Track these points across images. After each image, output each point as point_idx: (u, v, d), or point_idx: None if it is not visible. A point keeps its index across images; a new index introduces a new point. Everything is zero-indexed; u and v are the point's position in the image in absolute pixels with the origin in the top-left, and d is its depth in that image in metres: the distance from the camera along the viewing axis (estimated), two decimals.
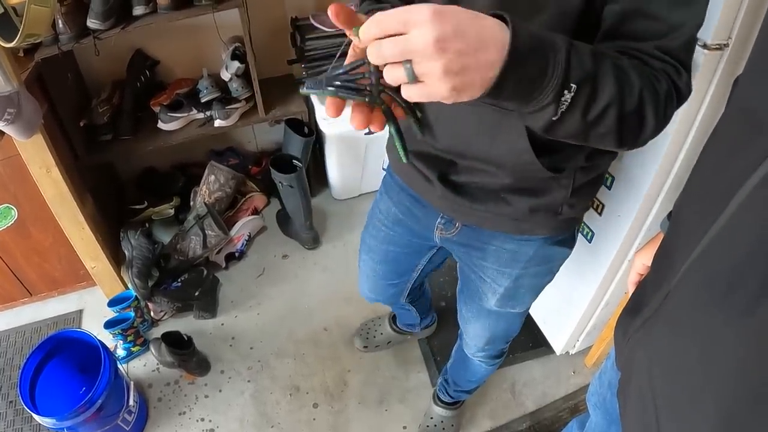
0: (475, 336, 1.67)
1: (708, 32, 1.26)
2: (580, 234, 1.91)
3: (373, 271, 1.74)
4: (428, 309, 2.30)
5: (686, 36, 0.86)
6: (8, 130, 1.85)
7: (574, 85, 0.72)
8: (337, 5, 0.70)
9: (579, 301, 2.05)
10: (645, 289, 0.96)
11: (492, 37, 0.65)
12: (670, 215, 1.11)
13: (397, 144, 0.79)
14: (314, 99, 2.75)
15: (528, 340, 2.44)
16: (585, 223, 1.90)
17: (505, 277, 1.37)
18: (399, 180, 1.44)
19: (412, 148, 1.25)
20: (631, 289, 1.15)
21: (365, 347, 2.46)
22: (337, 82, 0.74)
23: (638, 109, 0.81)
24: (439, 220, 1.37)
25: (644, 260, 1.15)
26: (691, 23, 0.86)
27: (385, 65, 0.67)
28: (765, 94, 0.65)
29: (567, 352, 2.33)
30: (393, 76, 0.67)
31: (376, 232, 1.62)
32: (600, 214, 1.81)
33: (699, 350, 0.75)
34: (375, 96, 0.74)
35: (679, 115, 1.40)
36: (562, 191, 1.17)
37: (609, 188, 1.74)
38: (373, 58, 0.67)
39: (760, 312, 0.63)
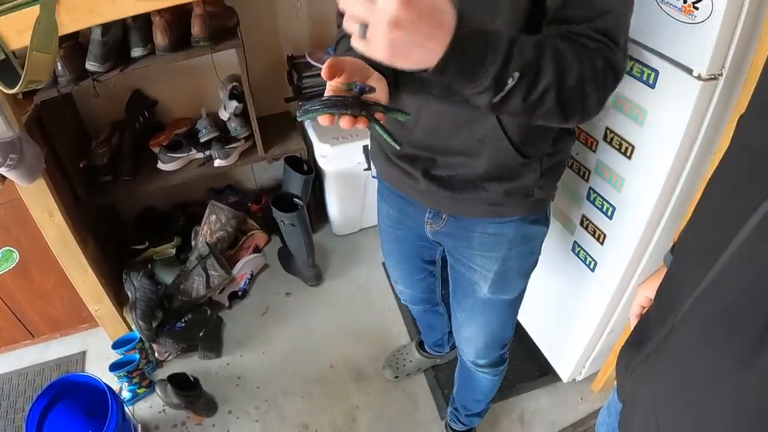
0: (471, 338, 1.74)
1: (702, 64, 1.31)
2: (582, 263, 1.95)
3: (398, 270, 1.89)
4: None
5: (615, 17, 1.00)
6: (11, 175, 1.87)
7: (516, 74, 0.86)
8: (328, 64, 0.90)
9: (583, 328, 2.06)
10: (648, 322, 0.98)
11: (441, 29, 0.77)
12: (673, 249, 1.13)
13: (387, 138, 0.95)
14: (312, 136, 2.79)
15: (534, 369, 2.45)
16: (587, 252, 1.92)
17: (492, 262, 1.48)
18: (387, 184, 1.57)
19: (395, 151, 1.40)
20: (633, 322, 1.17)
21: (396, 377, 2.48)
22: (324, 103, 0.90)
23: (579, 86, 0.94)
24: (427, 215, 1.49)
25: (647, 293, 1.17)
26: (618, 6, 1.01)
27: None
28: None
29: (574, 379, 2.33)
30: (348, 26, 0.79)
31: (386, 236, 1.77)
32: (602, 243, 1.84)
33: (704, 386, 0.76)
34: (356, 108, 0.91)
35: (678, 144, 1.44)
36: (532, 175, 1.31)
37: (610, 218, 1.77)
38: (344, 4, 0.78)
39: (765, 350, 0.65)
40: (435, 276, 1.90)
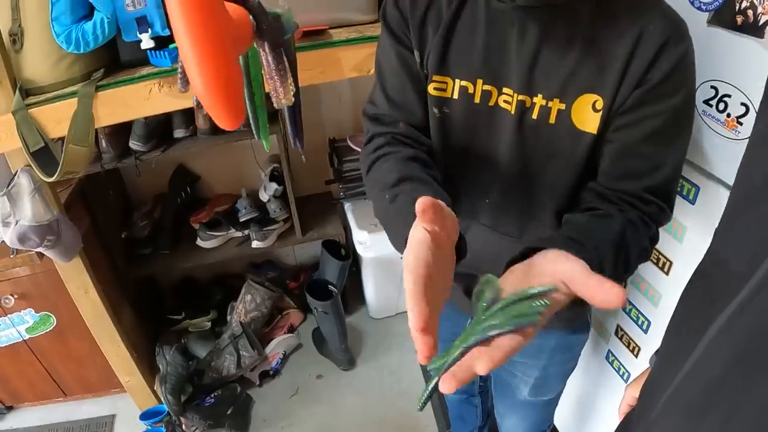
0: (513, 428, 1.79)
1: None
2: (616, 373, 1.92)
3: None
4: (487, 415, 2.31)
5: (672, 168, 1.03)
6: (48, 253, 1.99)
7: None
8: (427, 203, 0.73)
9: (610, 418, 2.05)
10: (631, 421, 1.03)
11: None
12: (657, 351, 1.17)
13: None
14: (351, 221, 2.88)
15: None
16: (621, 363, 1.89)
17: (533, 369, 1.50)
18: None
19: None
20: (620, 419, 1.21)
21: None
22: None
23: (636, 263, 0.99)
24: (468, 321, 1.45)
25: (633, 392, 1.21)
26: (674, 160, 1.03)
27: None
28: (735, 246, 0.72)
29: None
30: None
31: None
32: (636, 356, 1.81)
33: None
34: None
35: None
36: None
37: (645, 332, 1.74)
38: None
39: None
40: None
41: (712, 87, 1.28)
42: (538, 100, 1.03)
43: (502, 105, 1.07)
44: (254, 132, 1.54)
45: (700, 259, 0.85)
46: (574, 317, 1.42)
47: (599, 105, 0.99)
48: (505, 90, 1.06)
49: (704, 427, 0.74)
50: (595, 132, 1.01)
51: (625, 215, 0.99)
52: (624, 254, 0.94)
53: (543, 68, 1.01)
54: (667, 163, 1.02)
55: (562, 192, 1.12)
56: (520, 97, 1.04)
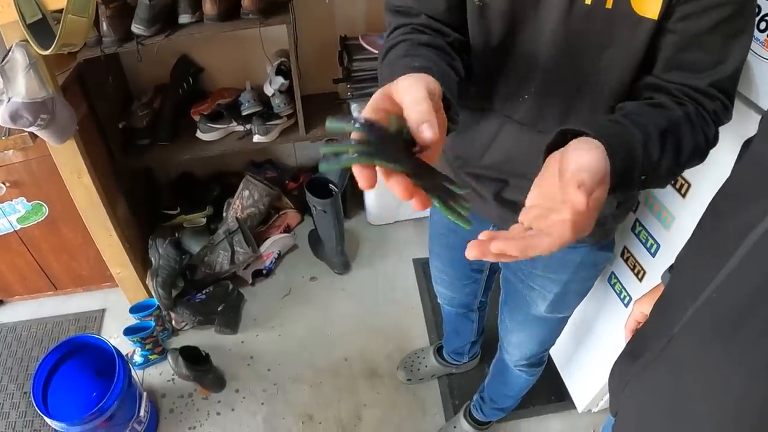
0: (519, 344, 1.79)
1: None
2: (617, 296, 1.94)
3: (443, 274, 1.91)
4: (481, 331, 2.35)
5: (735, 64, 0.98)
6: (41, 134, 1.95)
7: (643, 176, 0.83)
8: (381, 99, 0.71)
9: (609, 361, 2.03)
10: (645, 335, 1.02)
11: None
12: (671, 268, 1.17)
13: (453, 217, 0.70)
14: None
15: (551, 393, 2.46)
16: (623, 286, 1.91)
17: (554, 283, 1.50)
18: None
19: (462, 168, 1.36)
20: (627, 336, 1.22)
21: (409, 380, 2.52)
22: (365, 147, 0.62)
23: (690, 160, 0.94)
24: (491, 228, 1.44)
25: (643, 309, 1.20)
26: (738, 55, 0.97)
27: None
28: None
29: (589, 410, 2.33)
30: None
31: (437, 239, 1.80)
32: (640, 280, 1.82)
33: (703, 387, 0.80)
34: (408, 164, 0.65)
35: None
36: (610, 205, 1.30)
37: (653, 256, 1.73)
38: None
39: (764, 348, 0.69)
40: (479, 283, 1.93)
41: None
42: None
43: None
44: None
45: (728, 174, 0.83)
46: (604, 234, 1.40)
47: None
48: None
49: (734, 341, 0.73)
50: (656, 18, 0.94)
51: (684, 108, 0.94)
52: (675, 143, 0.89)
53: None
54: (731, 57, 0.97)
55: (614, 88, 1.06)
56: None
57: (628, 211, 1.42)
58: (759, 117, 1.26)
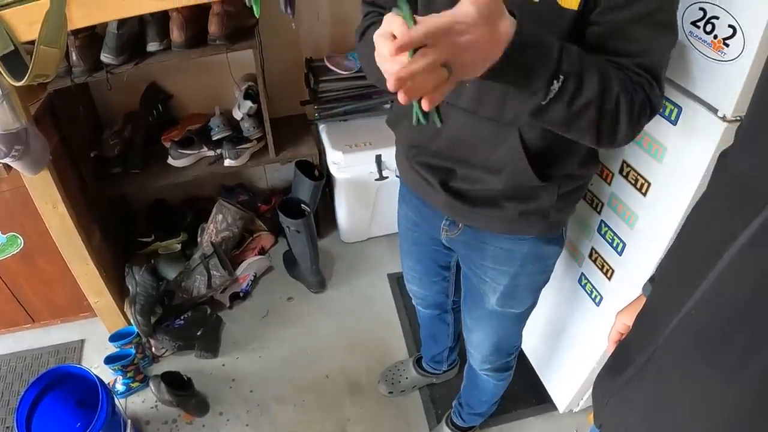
0: (479, 344, 1.85)
1: (728, 104, 1.29)
2: (588, 296, 2.00)
3: (414, 271, 1.98)
4: (458, 337, 2.39)
5: (659, 55, 1.08)
6: (16, 165, 1.97)
7: (561, 76, 0.92)
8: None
9: (584, 361, 2.11)
10: (627, 349, 1.05)
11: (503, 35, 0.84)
12: (652, 279, 1.21)
13: (422, 115, 0.86)
14: (325, 141, 2.90)
15: (532, 397, 2.51)
16: (593, 286, 1.97)
17: (503, 276, 1.57)
18: (407, 186, 1.65)
19: (415, 158, 1.47)
20: (610, 348, 1.23)
21: (390, 392, 2.55)
22: None
23: (615, 110, 1.02)
24: (444, 221, 1.58)
25: (625, 320, 1.22)
26: (665, 45, 1.08)
27: None
28: (763, 160, 0.73)
29: (570, 410, 2.39)
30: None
31: (404, 236, 1.88)
32: (609, 278, 1.88)
33: (689, 405, 0.83)
34: None
35: (696, 185, 1.44)
36: (549, 197, 1.37)
37: (620, 254, 1.80)
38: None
39: (750, 366, 0.72)
40: (449, 281, 2.00)
41: (700, 9, 1.29)
42: None
43: None
44: None
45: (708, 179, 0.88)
46: (549, 227, 1.47)
47: None
48: None
49: (720, 359, 0.76)
50: (576, 8, 1.04)
51: (613, 65, 1.04)
52: (601, 74, 0.98)
53: None
54: (655, 47, 1.07)
55: None
56: None
57: (572, 204, 1.49)
58: (717, 119, 1.33)
